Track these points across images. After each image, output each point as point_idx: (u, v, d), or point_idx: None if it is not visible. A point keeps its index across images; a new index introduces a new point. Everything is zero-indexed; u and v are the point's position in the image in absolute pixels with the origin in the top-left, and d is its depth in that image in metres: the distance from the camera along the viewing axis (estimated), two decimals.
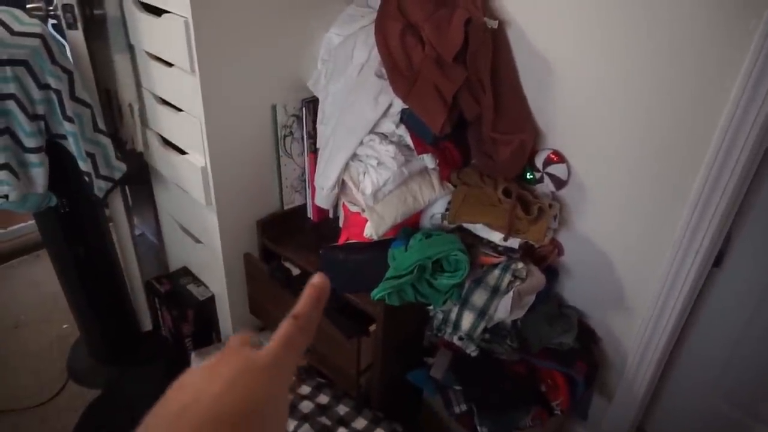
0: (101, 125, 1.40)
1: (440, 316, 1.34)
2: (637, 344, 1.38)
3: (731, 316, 1.33)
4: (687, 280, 1.22)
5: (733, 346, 1.36)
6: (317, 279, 0.39)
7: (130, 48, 1.41)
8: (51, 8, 1.34)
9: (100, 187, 1.44)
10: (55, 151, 1.37)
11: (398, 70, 1.24)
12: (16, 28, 1.22)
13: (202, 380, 0.32)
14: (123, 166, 1.49)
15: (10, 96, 1.23)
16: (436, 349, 1.47)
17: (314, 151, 1.46)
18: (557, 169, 1.31)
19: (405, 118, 1.26)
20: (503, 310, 1.27)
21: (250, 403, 0.31)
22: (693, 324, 1.38)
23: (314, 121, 1.43)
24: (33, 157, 1.32)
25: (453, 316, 1.30)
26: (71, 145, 1.36)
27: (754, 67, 0.98)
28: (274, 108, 1.39)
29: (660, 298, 1.28)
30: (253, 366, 0.33)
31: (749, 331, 1.31)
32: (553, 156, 1.31)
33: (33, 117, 1.28)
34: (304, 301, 0.38)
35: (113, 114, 1.54)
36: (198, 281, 1.75)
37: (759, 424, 1.39)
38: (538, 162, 1.33)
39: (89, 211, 1.57)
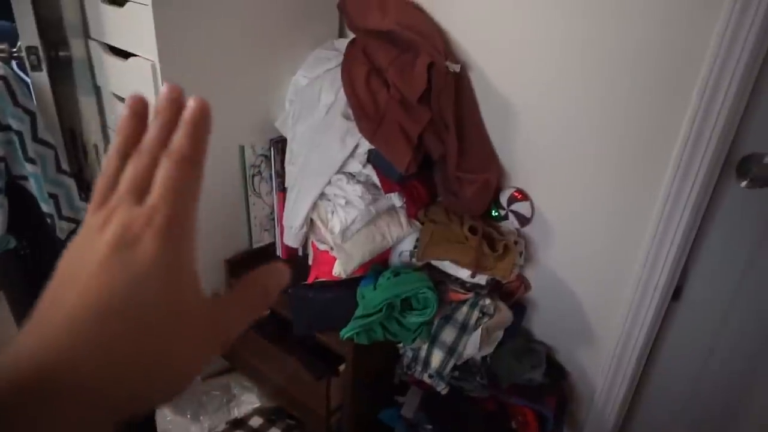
0: (65, 166, 1.38)
1: (410, 354, 1.34)
2: (604, 378, 1.40)
3: (692, 348, 1.36)
4: (648, 313, 1.26)
5: (695, 377, 1.39)
6: (194, 101, 0.29)
7: (96, 89, 1.40)
8: (14, 50, 1.34)
9: (62, 228, 1.41)
10: (15, 192, 1.34)
11: (364, 112, 1.27)
12: None
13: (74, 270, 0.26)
14: (87, 207, 1.47)
15: None
16: (408, 386, 1.47)
17: (283, 190, 1.47)
18: (521, 207, 1.35)
19: (371, 158, 1.28)
20: (472, 346, 1.27)
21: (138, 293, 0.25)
22: (657, 356, 1.41)
23: (282, 161, 1.44)
24: None
25: (423, 353, 1.30)
26: (33, 186, 1.34)
27: (698, 111, 1.03)
28: (242, 148, 1.40)
29: (623, 332, 1.31)
30: (136, 269, 0.25)
31: (709, 362, 1.35)
32: (516, 194, 1.34)
33: None
34: (183, 133, 0.29)
35: (78, 154, 1.52)
36: None
37: None
38: (503, 200, 1.37)
39: (51, 253, 1.53)
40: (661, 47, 1.05)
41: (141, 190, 0.28)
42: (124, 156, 0.29)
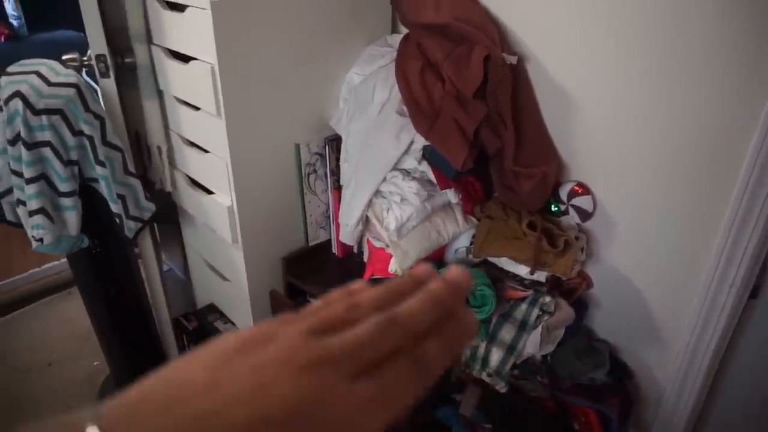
0: (131, 167, 1.45)
1: (468, 351, 1.32)
2: (673, 378, 1.33)
3: None
4: (723, 312, 1.18)
5: None
6: (454, 272, 0.28)
7: (159, 93, 1.46)
8: (85, 59, 1.41)
9: (130, 227, 1.48)
10: (86, 193, 1.41)
11: (419, 108, 1.25)
12: (53, 79, 1.27)
13: (214, 367, 0.22)
14: (152, 206, 1.53)
15: (46, 143, 1.28)
16: (465, 384, 1.45)
17: (338, 188, 1.48)
18: (582, 201, 1.30)
19: (427, 154, 1.27)
20: (532, 345, 1.24)
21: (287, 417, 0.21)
22: (733, 356, 1.33)
23: (337, 159, 1.45)
24: (67, 201, 1.36)
25: (481, 352, 1.28)
26: (103, 188, 1.40)
27: None
28: (297, 147, 1.42)
29: (695, 331, 1.24)
30: (303, 363, 0.22)
31: None
32: (577, 188, 1.30)
33: (67, 162, 1.33)
34: (459, 334, 0.27)
35: (142, 155, 1.59)
36: (225, 318, 1.76)
37: None
38: (563, 194, 1.32)
39: (119, 251, 1.61)
40: (736, 27, 0.98)
41: (370, 363, 0.24)
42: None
